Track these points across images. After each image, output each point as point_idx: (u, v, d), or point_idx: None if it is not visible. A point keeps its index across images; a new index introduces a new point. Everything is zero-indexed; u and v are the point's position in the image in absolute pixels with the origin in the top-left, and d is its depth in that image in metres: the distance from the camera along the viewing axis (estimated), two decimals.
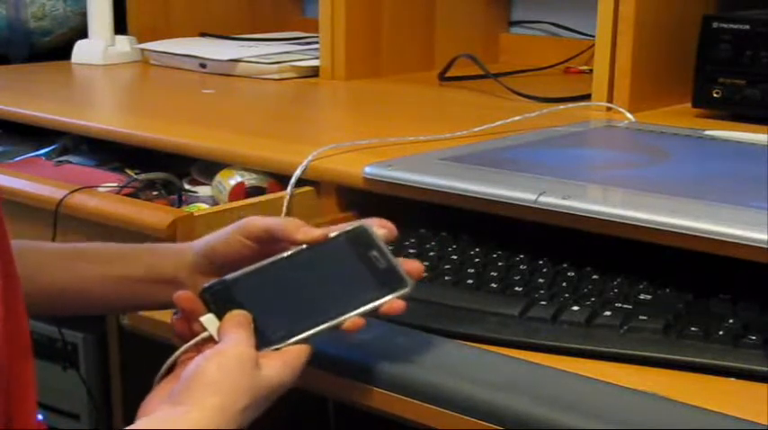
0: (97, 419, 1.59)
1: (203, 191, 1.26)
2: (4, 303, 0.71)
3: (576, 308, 0.85)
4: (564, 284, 0.91)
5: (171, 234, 1.02)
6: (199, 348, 0.77)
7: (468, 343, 0.84)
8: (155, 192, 1.24)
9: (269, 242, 0.82)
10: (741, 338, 0.80)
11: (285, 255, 0.80)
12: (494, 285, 0.91)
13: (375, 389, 0.81)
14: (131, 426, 0.70)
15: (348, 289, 0.79)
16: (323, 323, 0.77)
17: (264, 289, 0.79)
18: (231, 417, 0.71)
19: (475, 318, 0.87)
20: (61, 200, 1.11)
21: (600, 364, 0.80)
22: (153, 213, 1.06)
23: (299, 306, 0.78)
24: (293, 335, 0.76)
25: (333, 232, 0.81)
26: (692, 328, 0.81)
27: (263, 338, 0.76)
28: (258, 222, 0.83)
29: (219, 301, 0.78)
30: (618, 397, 0.75)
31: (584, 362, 0.80)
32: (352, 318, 0.77)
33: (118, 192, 1.19)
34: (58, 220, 1.12)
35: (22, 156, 1.43)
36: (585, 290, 0.90)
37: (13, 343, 0.73)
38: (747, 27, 1.31)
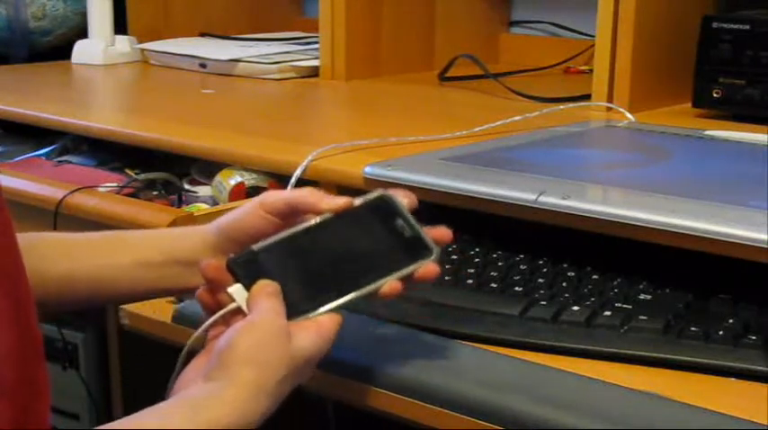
0: (97, 419, 1.59)
1: (203, 191, 1.26)
2: (15, 306, 0.71)
3: (576, 308, 0.85)
4: (564, 284, 0.91)
5: None
6: (227, 320, 0.76)
7: (468, 343, 0.84)
8: (155, 192, 1.24)
9: (291, 215, 0.81)
10: (741, 338, 0.80)
11: (311, 223, 0.79)
12: (494, 285, 0.91)
13: (375, 389, 0.81)
14: (165, 403, 0.70)
15: (374, 257, 0.78)
16: (353, 291, 0.76)
17: (292, 258, 0.78)
18: (269, 391, 0.70)
19: (475, 318, 0.87)
20: (61, 200, 1.11)
21: (600, 364, 0.80)
22: (153, 213, 1.06)
23: (328, 274, 0.77)
24: (324, 304, 0.76)
25: (356, 200, 0.80)
26: (692, 328, 0.81)
27: (294, 308, 0.75)
28: (279, 196, 0.82)
29: (247, 271, 0.76)
30: (618, 397, 0.75)
31: (584, 362, 0.80)
32: (388, 283, 0.76)
33: (118, 192, 1.19)
34: (57, 220, 1.12)
35: (22, 157, 1.43)
36: (585, 290, 0.90)
37: (26, 345, 0.72)
38: (747, 27, 1.31)
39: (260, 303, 0.74)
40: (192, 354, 0.77)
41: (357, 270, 0.77)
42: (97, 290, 0.88)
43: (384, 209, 0.80)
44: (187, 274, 0.84)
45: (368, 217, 0.80)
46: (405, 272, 0.77)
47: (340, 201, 0.79)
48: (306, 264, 0.78)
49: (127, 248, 0.87)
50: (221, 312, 0.77)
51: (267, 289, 0.75)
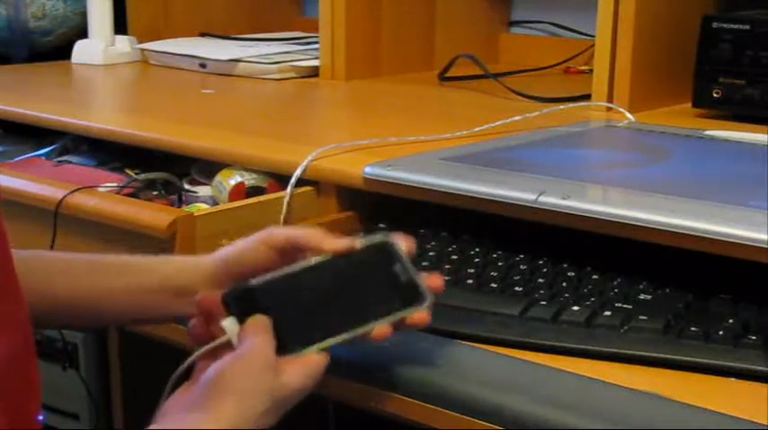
0: (97, 419, 1.59)
1: (203, 191, 1.26)
2: (7, 307, 0.71)
3: (576, 308, 0.85)
4: (564, 284, 0.91)
5: (171, 234, 1.02)
6: (216, 353, 0.77)
7: (467, 343, 0.84)
8: (155, 192, 1.24)
9: (291, 252, 0.82)
10: (741, 338, 0.80)
11: (309, 263, 0.80)
12: (494, 285, 0.91)
13: (375, 389, 0.81)
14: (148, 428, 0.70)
15: (369, 300, 0.79)
16: (344, 332, 0.77)
17: (287, 295, 0.78)
18: (248, 423, 0.71)
19: (475, 318, 0.87)
20: (61, 200, 1.11)
21: (600, 364, 0.80)
22: (153, 213, 1.06)
23: (321, 313, 0.78)
24: (313, 343, 0.77)
25: (357, 243, 0.81)
26: (692, 328, 0.81)
27: (284, 344, 0.76)
28: (282, 232, 0.83)
29: (241, 306, 0.77)
30: (618, 397, 0.75)
31: (584, 362, 0.80)
32: (379, 327, 0.78)
33: (118, 192, 1.19)
34: (57, 220, 1.12)
35: (22, 157, 1.43)
36: (585, 290, 0.90)
37: (18, 346, 0.72)
38: (747, 27, 1.31)
39: (250, 337, 0.75)
40: (179, 383, 0.77)
41: (350, 311, 0.78)
42: (95, 311, 0.89)
43: (384, 253, 0.81)
44: (183, 304, 0.84)
45: (367, 260, 0.81)
46: (396, 316, 0.79)
47: (341, 243, 0.80)
48: (300, 302, 0.79)
49: (126, 273, 0.88)
50: (212, 344, 0.78)
51: (259, 324, 0.76)
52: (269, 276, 0.79)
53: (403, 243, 0.81)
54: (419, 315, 0.79)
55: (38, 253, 0.90)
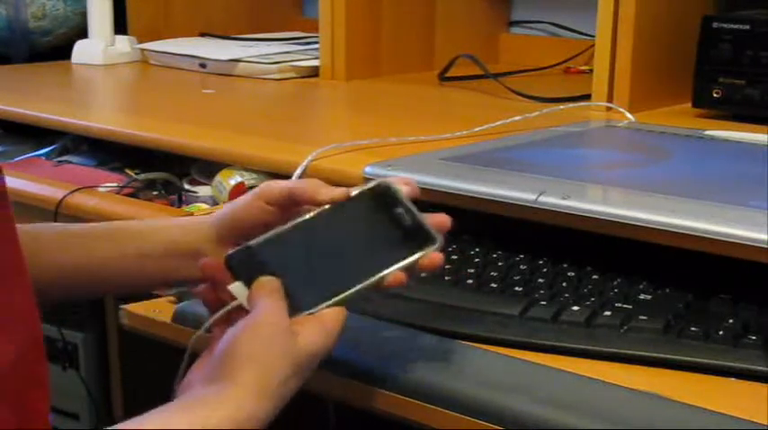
0: (97, 419, 1.59)
1: (203, 191, 1.26)
2: (17, 305, 0.70)
3: (576, 308, 0.85)
4: (564, 284, 0.91)
5: None
6: (230, 316, 0.75)
7: (468, 343, 0.84)
8: (155, 192, 1.24)
9: (289, 206, 0.80)
10: (741, 338, 0.80)
11: (308, 216, 0.77)
12: (494, 285, 0.91)
13: (375, 389, 0.81)
14: (167, 405, 0.69)
15: (376, 248, 0.76)
16: (357, 284, 0.74)
17: (291, 252, 0.76)
18: (272, 391, 0.69)
19: (475, 318, 0.87)
20: (61, 200, 1.12)
21: (600, 364, 0.80)
22: (153, 213, 1.06)
23: (329, 267, 0.75)
24: (326, 299, 0.73)
25: (355, 190, 0.78)
26: (692, 328, 0.81)
27: (296, 304, 0.73)
28: (278, 186, 0.81)
29: (246, 268, 0.74)
30: (618, 397, 0.75)
31: (584, 362, 0.80)
32: (393, 274, 0.74)
33: (118, 192, 1.19)
34: (58, 220, 1.12)
35: (22, 156, 1.43)
36: (585, 290, 0.89)
37: (27, 345, 0.72)
38: (747, 27, 1.31)
39: (261, 301, 0.72)
40: (196, 354, 0.76)
41: (359, 262, 0.75)
42: (99, 280, 0.88)
43: (383, 198, 0.77)
44: (189, 266, 0.83)
45: (367, 207, 0.77)
46: (408, 261, 0.75)
47: (337, 192, 0.78)
48: (306, 257, 0.76)
49: (129, 240, 0.87)
50: (222, 311, 0.76)
51: (267, 286, 0.73)
52: (269, 234, 0.76)
53: (403, 185, 0.78)
54: (432, 256, 0.75)
55: (41, 225, 0.89)
